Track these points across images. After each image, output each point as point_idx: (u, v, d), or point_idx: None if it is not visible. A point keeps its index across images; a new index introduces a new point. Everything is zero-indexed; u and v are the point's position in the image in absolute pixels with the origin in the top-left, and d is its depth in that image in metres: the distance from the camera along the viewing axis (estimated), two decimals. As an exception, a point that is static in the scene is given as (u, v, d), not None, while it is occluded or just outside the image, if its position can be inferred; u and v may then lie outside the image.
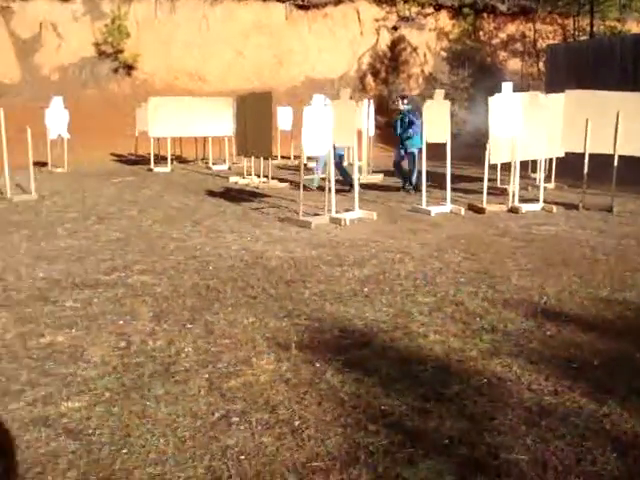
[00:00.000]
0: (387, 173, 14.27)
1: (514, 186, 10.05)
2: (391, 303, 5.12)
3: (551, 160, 12.21)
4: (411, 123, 11.80)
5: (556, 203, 10.19)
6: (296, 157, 18.02)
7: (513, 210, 9.80)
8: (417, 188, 11.37)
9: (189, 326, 4.59)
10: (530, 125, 9.79)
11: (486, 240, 7.71)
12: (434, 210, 9.48)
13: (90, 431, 3.17)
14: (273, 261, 6.50)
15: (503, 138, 9.80)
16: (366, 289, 5.50)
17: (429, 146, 9.82)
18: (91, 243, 7.44)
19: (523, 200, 10.30)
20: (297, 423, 3.25)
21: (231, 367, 3.89)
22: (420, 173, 10.47)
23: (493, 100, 9.64)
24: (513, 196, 10.04)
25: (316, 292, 5.40)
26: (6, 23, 26.20)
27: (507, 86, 9.75)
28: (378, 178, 13.63)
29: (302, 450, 3.01)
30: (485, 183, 9.92)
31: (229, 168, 16.41)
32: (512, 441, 3.07)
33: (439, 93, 9.83)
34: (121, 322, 4.69)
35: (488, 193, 10.10)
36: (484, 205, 9.80)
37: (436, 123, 9.69)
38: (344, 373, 3.80)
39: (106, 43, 26.52)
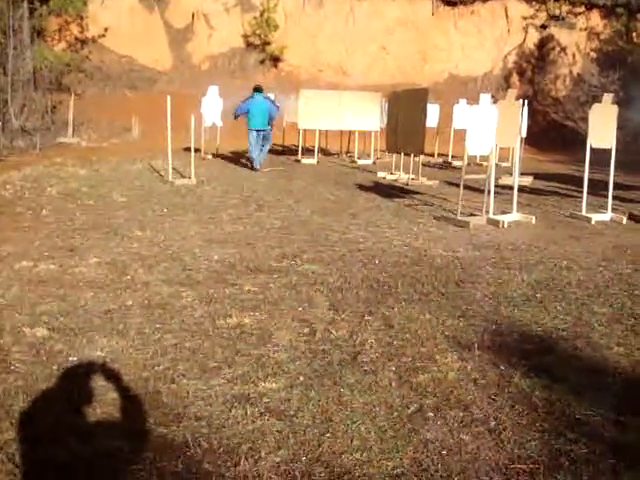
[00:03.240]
0: (537, 176, 13.95)
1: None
2: (567, 311, 5.01)
3: None
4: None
5: None
6: (440, 155, 17.94)
7: (678, 221, 9.34)
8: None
9: (367, 318, 4.67)
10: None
11: (654, 252, 7.38)
12: (594, 217, 9.17)
13: (292, 412, 3.29)
14: (438, 259, 6.50)
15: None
16: (539, 295, 5.40)
17: (592, 153, 9.49)
18: (257, 230, 7.71)
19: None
20: (493, 424, 3.25)
21: (417, 362, 3.94)
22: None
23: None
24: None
25: (487, 294, 5.37)
26: (161, 13, 27.52)
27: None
28: (528, 180, 13.32)
29: (503, 451, 3.01)
30: (649, 192, 9.51)
31: (374, 163, 16.53)
32: None
33: (607, 97, 9.48)
34: (300, 309, 4.84)
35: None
36: (646, 215, 9.39)
37: (602, 128, 9.35)
38: (532, 378, 3.76)
39: (254, 35, 27.35)
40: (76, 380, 3.65)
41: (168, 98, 11.27)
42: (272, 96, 16.25)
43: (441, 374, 3.79)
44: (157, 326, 4.44)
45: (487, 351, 4.15)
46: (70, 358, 3.90)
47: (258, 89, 14.78)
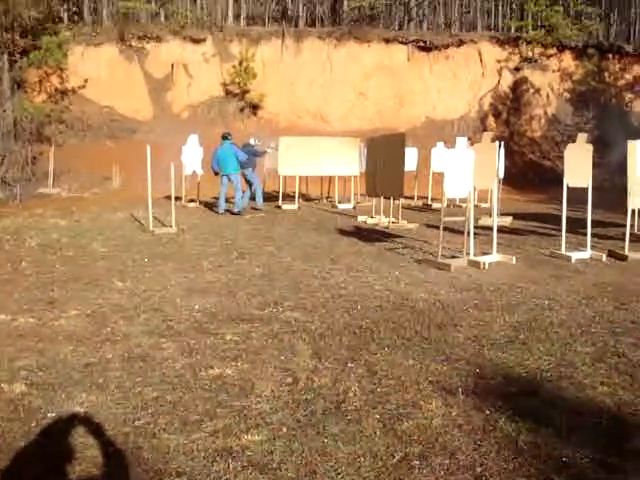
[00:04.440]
0: (516, 216, 14.07)
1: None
2: (550, 352, 5.01)
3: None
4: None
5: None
6: (420, 197, 18.05)
7: (657, 258, 9.42)
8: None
9: (350, 365, 4.64)
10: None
11: (634, 289, 7.41)
12: (574, 256, 9.23)
13: (275, 465, 3.25)
14: (420, 303, 6.50)
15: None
16: (522, 336, 5.40)
17: (569, 191, 9.60)
18: (238, 278, 7.68)
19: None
20: (479, 470, 3.22)
21: (401, 409, 3.91)
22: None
23: (637, 144, 9.36)
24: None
25: (470, 337, 5.36)
26: (140, 64, 27.73)
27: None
28: (507, 221, 13.41)
29: (490, 499, 2.98)
30: (627, 229, 9.59)
31: (354, 207, 16.59)
32: None
33: (582, 137, 9.63)
34: (282, 358, 4.80)
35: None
36: (626, 252, 9.46)
37: (578, 167, 9.48)
38: (517, 422, 3.74)
39: (234, 83, 27.60)
40: (55, 437, 3.59)
41: (148, 148, 11.30)
42: (252, 141, 16.47)
43: (426, 421, 3.76)
44: (137, 379, 4.38)
45: (472, 395, 4.13)
46: (49, 414, 3.84)
47: (224, 136, 15.36)
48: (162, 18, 30.34)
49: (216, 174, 15.45)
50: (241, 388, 4.22)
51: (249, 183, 15.74)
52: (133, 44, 27.73)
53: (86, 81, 26.06)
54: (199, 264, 8.55)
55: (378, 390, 4.20)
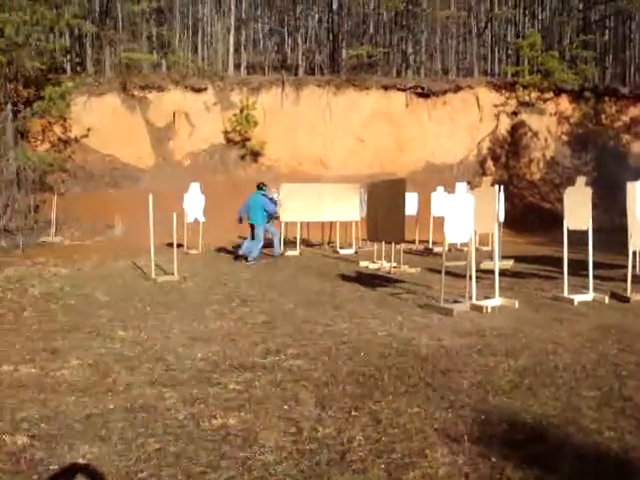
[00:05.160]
0: (517, 259, 14.08)
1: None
2: (556, 396, 4.97)
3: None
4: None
5: None
6: (421, 242, 18.09)
7: (660, 300, 9.39)
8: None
9: (354, 413, 4.61)
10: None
11: (638, 331, 7.39)
12: (577, 298, 9.22)
13: (280, 518, 3.21)
14: (423, 349, 6.47)
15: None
16: (526, 381, 5.37)
17: (570, 233, 9.62)
18: (240, 326, 7.66)
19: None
20: (487, 521, 3.18)
21: (407, 458, 3.87)
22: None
23: (637, 186, 9.42)
24: (659, 285, 9.64)
25: (474, 383, 5.33)
26: (142, 113, 28.08)
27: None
28: (509, 264, 13.42)
29: None
30: (629, 271, 9.58)
31: (355, 252, 16.63)
32: None
33: (581, 180, 9.69)
34: (286, 407, 4.77)
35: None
36: (628, 294, 9.44)
37: (577, 210, 9.53)
38: (524, 469, 3.70)
39: (235, 131, 27.89)
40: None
41: (150, 196, 11.38)
42: (275, 196, 16.44)
43: (432, 470, 3.72)
44: (140, 430, 4.35)
45: (477, 443, 4.09)
46: (51, 467, 3.80)
47: (259, 186, 15.39)
48: (164, 68, 30.82)
49: (240, 221, 15.40)
50: (244, 439, 4.19)
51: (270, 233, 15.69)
52: (135, 94, 28.12)
53: (89, 130, 26.39)
54: (201, 312, 8.54)
55: (383, 439, 4.16)
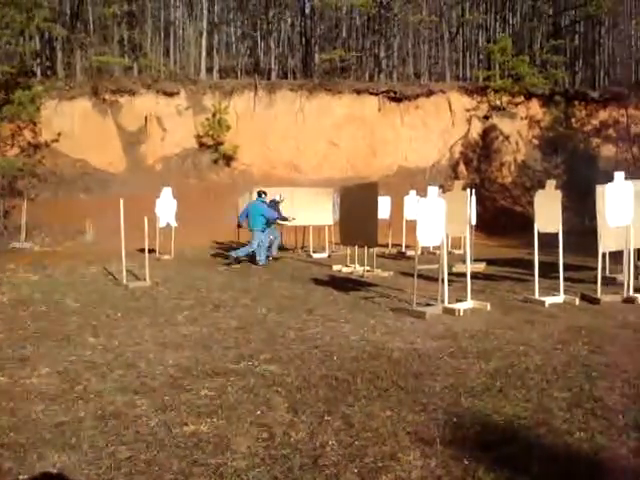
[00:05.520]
0: (489, 262, 14.19)
1: (628, 276, 9.78)
2: (527, 398, 5.01)
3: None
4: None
5: (672, 293, 9.82)
6: (394, 245, 18.16)
7: (628, 300, 9.50)
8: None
9: (327, 418, 4.60)
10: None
11: (608, 332, 7.48)
12: (548, 300, 9.30)
13: (252, 524, 3.19)
14: (396, 352, 6.48)
15: (614, 227, 9.63)
16: (498, 383, 5.40)
17: (541, 235, 9.71)
18: (212, 331, 7.62)
19: (636, 290, 9.96)
20: (459, 524, 3.19)
21: (379, 462, 3.86)
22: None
23: (606, 189, 9.54)
24: (628, 286, 9.75)
25: (447, 385, 5.34)
26: (114, 117, 27.88)
27: (619, 175, 9.64)
28: (481, 267, 13.52)
29: None
30: (599, 272, 9.69)
31: (329, 256, 16.66)
32: None
33: (550, 183, 9.79)
34: (258, 412, 4.74)
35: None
36: (598, 295, 9.55)
37: (547, 213, 9.62)
38: (495, 471, 3.71)
39: (207, 135, 27.81)
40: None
41: (121, 201, 11.29)
42: (277, 197, 16.53)
43: (404, 473, 3.72)
44: (110, 438, 4.30)
45: (450, 445, 4.10)
46: (20, 476, 3.75)
47: (259, 193, 15.75)
48: (135, 72, 30.64)
49: (239, 226, 15.90)
50: (216, 445, 4.16)
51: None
52: (106, 97, 27.92)
53: (59, 135, 26.14)
54: (173, 318, 8.48)
55: (355, 443, 4.16)
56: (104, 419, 4.64)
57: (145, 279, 11.63)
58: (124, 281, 11.53)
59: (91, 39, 31.26)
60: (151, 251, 15.25)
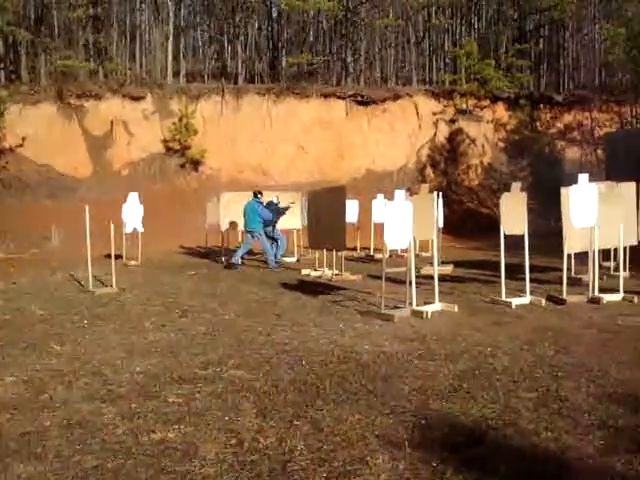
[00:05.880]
0: (456, 264, 14.29)
1: (593, 276, 9.91)
2: (494, 399, 5.05)
3: (624, 249, 12.02)
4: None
5: (636, 293, 9.96)
6: (362, 248, 18.21)
7: (594, 301, 9.64)
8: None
9: (296, 423, 4.59)
10: (605, 215, 9.75)
11: (574, 332, 7.58)
12: (514, 302, 9.39)
13: (221, 531, 3.17)
14: (365, 356, 6.49)
15: (579, 228, 9.76)
16: (465, 385, 5.44)
17: (507, 237, 9.80)
18: (180, 337, 7.57)
19: (601, 290, 10.11)
20: (427, 526, 3.20)
21: (348, 466, 3.87)
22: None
23: (571, 191, 9.66)
24: (593, 286, 9.89)
25: (415, 388, 5.37)
26: (79, 121, 27.55)
27: (583, 177, 9.78)
28: (448, 269, 13.61)
29: None
30: (564, 273, 9.81)
31: (297, 260, 16.64)
32: None
33: (516, 186, 9.90)
34: (227, 418, 4.72)
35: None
36: (564, 296, 9.67)
37: (513, 215, 9.72)
38: (463, 472, 3.74)
39: (174, 140, 27.62)
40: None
41: (86, 207, 11.16)
42: (274, 199, 16.49)
43: (373, 476, 3.73)
44: (77, 447, 4.24)
45: (418, 448, 4.12)
46: (-17, 489, 3.69)
47: (254, 193, 15.95)
48: (101, 76, 30.32)
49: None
50: (184, 452, 4.12)
51: (274, 239, 16.12)
52: (72, 102, 27.57)
53: (24, 140, 25.77)
54: (140, 324, 8.41)
55: (324, 447, 4.15)
56: (70, 428, 4.59)
57: (112, 285, 11.51)
58: (90, 287, 11.41)
59: (56, 43, 30.86)
60: (118, 257, 15.11)
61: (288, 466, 3.88)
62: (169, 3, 32.61)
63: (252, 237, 15.54)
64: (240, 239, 17.11)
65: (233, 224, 16.91)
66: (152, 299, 10.53)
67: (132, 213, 15.96)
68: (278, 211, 15.91)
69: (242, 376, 5.82)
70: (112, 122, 27.78)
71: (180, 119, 27.73)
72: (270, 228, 15.84)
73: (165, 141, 27.94)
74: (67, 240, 19.83)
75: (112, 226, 11.65)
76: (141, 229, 16.17)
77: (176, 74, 32.02)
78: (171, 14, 32.66)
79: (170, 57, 31.68)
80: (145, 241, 16.88)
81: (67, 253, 17.68)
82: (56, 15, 31.38)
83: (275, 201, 16.36)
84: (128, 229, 15.95)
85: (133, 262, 16.05)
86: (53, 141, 25.77)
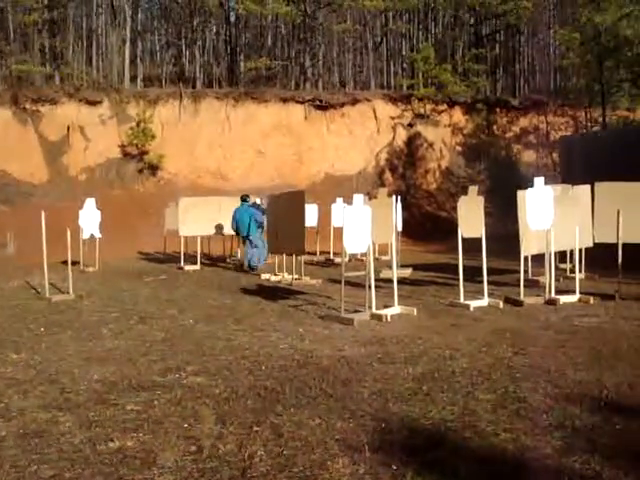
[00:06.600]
0: (415, 267, 14.39)
1: (549, 278, 10.08)
2: (453, 401, 5.10)
3: (580, 251, 12.24)
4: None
5: (591, 294, 10.15)
6: (322, 252, 18.23)
7: (551, 302, 9.80)
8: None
9: (256, 428, 4.57)
10: (561, 217, 9.93)
11: (531, 334, 7.70)
12: (473, 304, 9.50)
13: (180, 540, 3.14)
14: (324, 360, 6.50)
15: (535, 230, 9.92)
16: (425, 387, 5.48)
17: (465, 240, 9.90)
18: (138, 344, 7.48)
19: (558, 291, 10.28)
20: (387, 529, 3.21)
21: (307, 471, 3.86)
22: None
23: (527, 194, 9.82)
24: (549, 288, 10.05)
25: (375, 391, 5.39)
26: (35, 126, 27.14)
27: (539, 180, 9.94)
28: (407, 272, 13.70)
29: None
30: (522, 275, 9.95)
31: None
32: None
33: (473, 189, 10.02)
34: (186, 425, 4.68)
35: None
36: (522, 298, 9.81)
37: (471, 218, 9.83)
38: (423, 475, 3.76)
39: (132, 145, 27.36)
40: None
41: (42, 213, 10.99)
42: (258, 200, 16.40)
43: (333, 481, 3.73)
44: (33, 457, 4.17)
45: (378, 451, 4.13)
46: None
47: (243, 198, 15.87)
48: (57, 80, 29.89)
49: (237, 233, 15.86)
50: (143, 460, 4.08)
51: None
52: (27, 107, 27.12)
53: (-23, 145, 25.27)
54: (98, 331, 8.30)
55: (284, 453, 4.15)
56: (26, 437, 4.51)
57: (69, 292, 11.35)
58: (47, 294, 11.22)
59: (11, 47, 30.35)
60: (75, 263, 14.89)
61: (248, 472, 3.86)
62: (126, 7, 32.31)
63: (251, 244, 15.32)
64: (200, 243, 16.92)
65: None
66: (110, 306, 10.39)
67: (89, 219, 15.73)
68: (264, 213, 15.77)
69: (201, 382, 5.78)
70: (69, 127, 27.40)
71: (138, 124, 27.48)
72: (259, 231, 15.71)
73: (122, 146, 27.66)
74: (23, 246, 19.46)
75: (69, 232, 11.48)
76: (99, 235, 15.95)
77: (133, 78, 31.73)
78: (128, 18, 32.35)
79: (127, 61, 31.39)
80: (103, 247, 16.67)
81: (23, 260, 17.35)
82: (11, 19, 30.88)
83: (258, 202, 16.28)
84: (85, 235, 15.71)
85: (90, 268, 15.83)
86: (8, 146, 25.31)
